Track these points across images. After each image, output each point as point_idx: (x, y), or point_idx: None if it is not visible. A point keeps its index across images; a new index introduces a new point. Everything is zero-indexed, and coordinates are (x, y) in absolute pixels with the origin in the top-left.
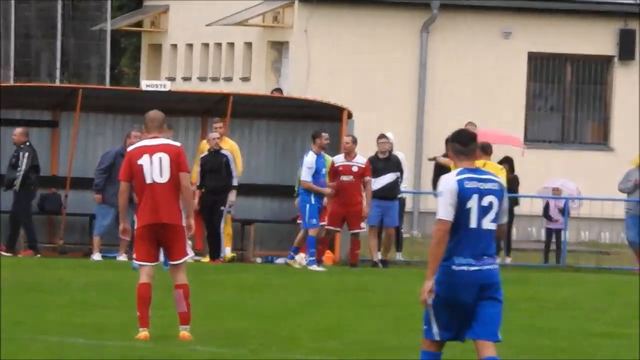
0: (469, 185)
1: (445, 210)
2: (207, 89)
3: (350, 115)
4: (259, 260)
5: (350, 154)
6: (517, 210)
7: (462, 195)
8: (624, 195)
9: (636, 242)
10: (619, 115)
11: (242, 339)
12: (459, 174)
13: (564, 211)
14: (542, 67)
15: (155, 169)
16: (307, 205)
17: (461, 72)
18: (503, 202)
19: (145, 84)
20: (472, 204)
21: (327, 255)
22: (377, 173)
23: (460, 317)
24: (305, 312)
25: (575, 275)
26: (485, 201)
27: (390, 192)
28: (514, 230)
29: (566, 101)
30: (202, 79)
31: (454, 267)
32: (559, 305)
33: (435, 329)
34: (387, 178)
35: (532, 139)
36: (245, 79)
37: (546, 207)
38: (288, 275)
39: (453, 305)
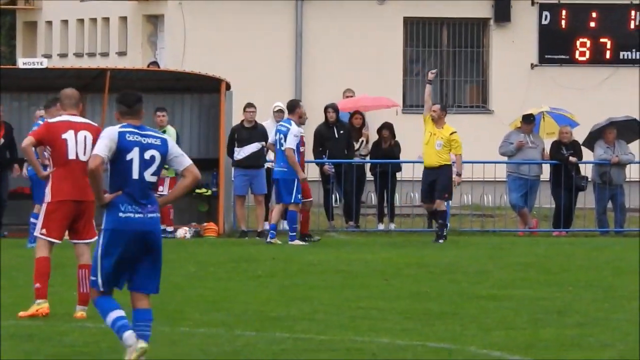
0: (130, 138)
1: (101, 148)
2: (84, 64)
3: (228, 87)
4: None
5: (303, 125)
6: (399, 175)
7: (123, 147)
8: (505, 158)
9: (518, 204)
10: (497, 77)
11: (130, 314)
12: (122, 127)
13: None
14: (418, 31)
15: (80, 146)
16: (295, 179)
17: (337, 40)
18: (169, 154)
19: (22, 62)
20: (134, 156)
21: (211, 227)
22: (242, 142)
23: (124, 269)
24: (192, 285)
25: (459, 238)
26: (147, 155)
27: (256, 161)
28: (396, 196)
29: (444, 65)
30: (78, 54)
31: (120, 215)
32: (444, 270)
33: (99, 280)
34: (253, 147)
35: (411, 104)
36: (122, 54)
37: None
38: (173, 248)
39: (119, 254)
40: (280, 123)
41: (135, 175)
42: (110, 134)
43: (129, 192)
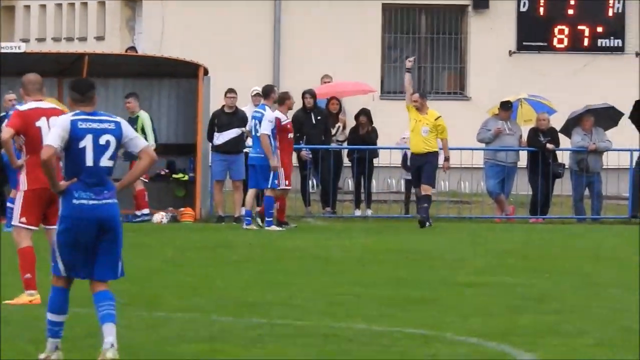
0: (82, 125)
1: (54, 138)
2: (62, 49)
3: (206, 72)
4: None
5: (290, 109)
6: (376, 161)
7: (75, 135)
8: (482, 145)
9: (495, 191)
10: (475, 64)
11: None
12: (74, 115)
13: None
14: (396, 18)
15: None
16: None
17: (316, 26)
18: (124, 136)
19: (0, 46)
20: (87, 143)
21: (188, 213)
22: (222, 127)
23: (82, 255)
24: (169, 270)
25: (436, 225)
26: (102, 140)
27: (234, 147)
28: (373, 182)
29: (422, 52)
30: (56, 39)
31: (74, 201)
32: (422, 256)
33: (60, 266)
34: (232, 133)
35: (389, 91)
36: (100, 38)
37: (404, 158)
38: (149, 233)
39: (77, 242)
40: (255, 109)
41: (89, 162)
42: (62, 123)
43: (84, 178)
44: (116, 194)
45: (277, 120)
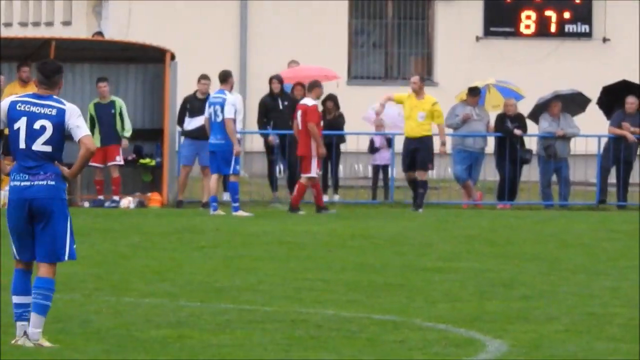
0: (20, 108)
1: None
2: (28, 34)
3: (173, 57)
4: (86, 204)
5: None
6: (343, 147)
7: (10, 116)
8: (450, 130)
9: (462, 177)
10: (442, 49)
11: (75, 284)
12: (20, 96)
13: (390, 142)
14: (363, 3)
15: None
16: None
17: (283, 10)
18: (66, 124)
19: None
20: (20, 125)
21: (155, 198)
22: (194, 113)
23: (22, 237)
24: (136, 255)
25: (403, 210)
26: (37, 124)
27: (204, 133)
28: (341, 168)
29: (388, 37)
30: (23, 24)
31: (11, 183)
32: (389, 241)
33: (13, 249)
34: (203, 119)
35: (355, 76)
36: (67, 24)
37: (371, 142)
38: (117, 218)
39: (14, 224)
40: (214, 95)
41: (22, 144)
42: (2, 105)
43: (19, 161)
44: (61, 179)
45: (315, 107)
